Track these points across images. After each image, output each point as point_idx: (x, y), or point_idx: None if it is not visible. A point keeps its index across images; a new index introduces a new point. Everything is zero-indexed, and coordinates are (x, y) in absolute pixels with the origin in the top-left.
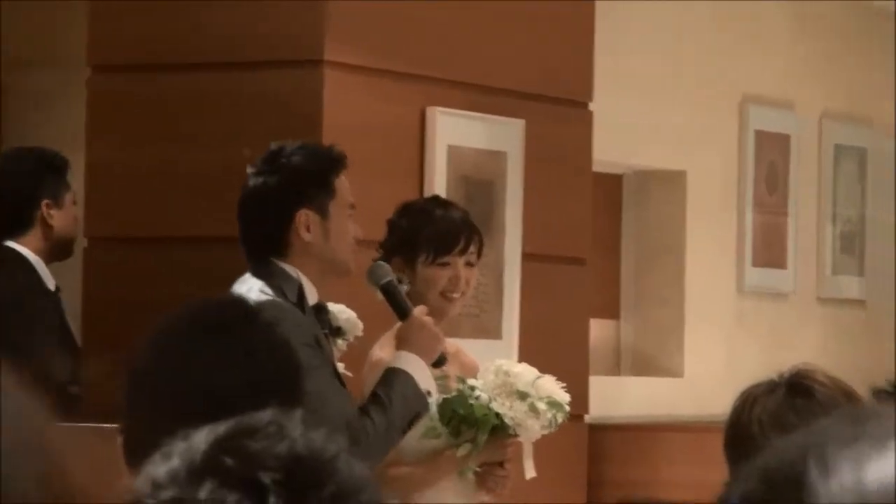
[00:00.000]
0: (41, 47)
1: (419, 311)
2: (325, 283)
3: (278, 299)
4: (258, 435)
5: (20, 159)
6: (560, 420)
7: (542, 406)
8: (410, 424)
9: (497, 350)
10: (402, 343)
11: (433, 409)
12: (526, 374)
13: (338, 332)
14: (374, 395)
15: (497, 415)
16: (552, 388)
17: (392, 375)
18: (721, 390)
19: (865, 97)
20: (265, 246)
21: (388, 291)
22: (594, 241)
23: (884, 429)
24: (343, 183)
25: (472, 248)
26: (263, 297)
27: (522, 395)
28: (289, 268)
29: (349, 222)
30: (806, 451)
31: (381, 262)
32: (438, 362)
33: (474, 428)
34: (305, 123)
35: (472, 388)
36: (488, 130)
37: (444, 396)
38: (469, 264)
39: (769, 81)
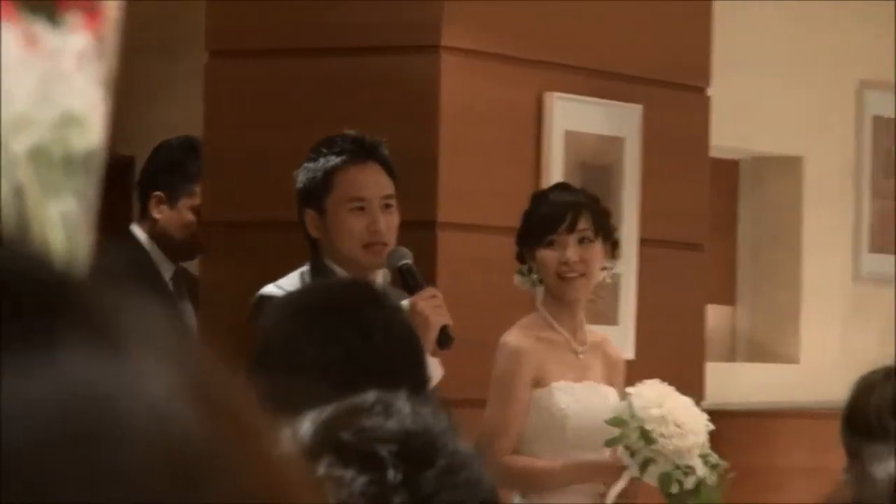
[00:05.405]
0: (158, 34)
1: (421, 294)
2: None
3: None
4: (367, 413)
5: (160, 145)
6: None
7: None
8: None
9: (613, 335)
10: None
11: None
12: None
13: None
14: None
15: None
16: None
17: None
18: (837, 377)
19: None
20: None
21: (401, 273)
22: (711, 227)
23: None
24: (346, 176)
25: (583, 225)
26: (271, 286)
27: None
28: (329, 261)
29: (351, 217)
30: None
31: (400, 247)
32: (442, 343)
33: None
34: (423, 108)
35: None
36: (606, 116)
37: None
38: (585, 240)
39: (886, 67)
